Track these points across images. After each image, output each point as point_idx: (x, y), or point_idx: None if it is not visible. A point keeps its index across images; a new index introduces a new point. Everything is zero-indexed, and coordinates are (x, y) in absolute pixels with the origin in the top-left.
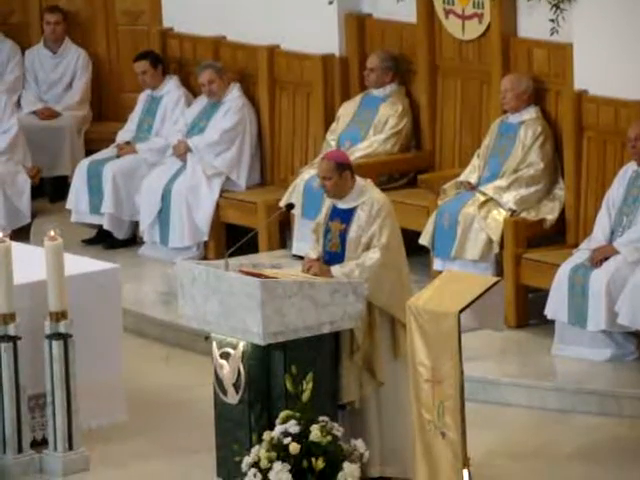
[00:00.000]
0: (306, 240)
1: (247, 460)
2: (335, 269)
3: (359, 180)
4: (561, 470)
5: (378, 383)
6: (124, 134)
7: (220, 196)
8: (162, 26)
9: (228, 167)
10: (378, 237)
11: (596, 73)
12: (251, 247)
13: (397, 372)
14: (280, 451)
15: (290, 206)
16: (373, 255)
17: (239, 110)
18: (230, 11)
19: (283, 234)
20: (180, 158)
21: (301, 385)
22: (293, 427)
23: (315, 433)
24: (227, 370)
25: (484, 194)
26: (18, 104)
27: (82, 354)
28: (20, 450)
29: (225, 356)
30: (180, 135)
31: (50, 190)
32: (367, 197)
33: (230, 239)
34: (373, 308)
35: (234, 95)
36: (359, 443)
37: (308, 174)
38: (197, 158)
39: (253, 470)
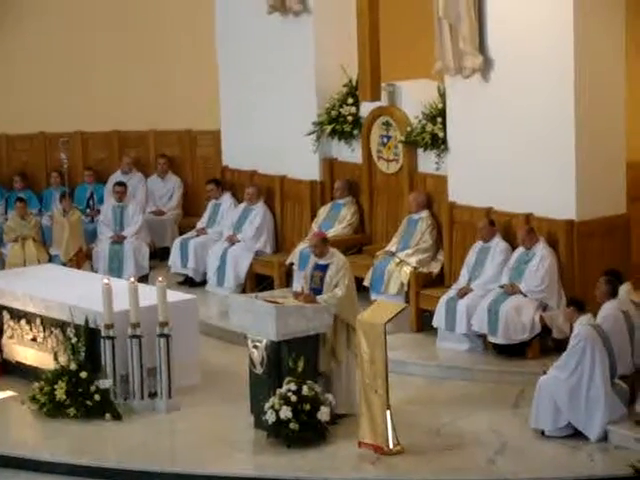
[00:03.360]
0: (299, 282)
1: (267, 405)
2: (319, 297)
3: (331, 248)
4: (439, 409)
5: (338, 362)
6: (200, 224)
7: (253, 259)
8: (222, 164)
9: (261, 243)
10: (342, 281)
11: (460, 193)
12: (270, 287)
13: (350, 356)
14: (285, 399)
15: (291, 264)
16: (339, 291)
17: (264, 214)
18: (259, 156)
19: (289, 279)
20: (230, 241)
21: (297, 363)
22: (292, 387)
23: (305, 390)
24: (256, 355)
25: (399, 258)
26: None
27: (176, 346)
28: (142, 398)
29: (255, 347)
30: (231, 229)
31: (159, 254)
32: (335, 258)
33: (258, 283)
34: (337, 320)
35: (260, 204)
36: (329, 396)
37: (301, 246)
38: (243, 244)
39: (270, 410)
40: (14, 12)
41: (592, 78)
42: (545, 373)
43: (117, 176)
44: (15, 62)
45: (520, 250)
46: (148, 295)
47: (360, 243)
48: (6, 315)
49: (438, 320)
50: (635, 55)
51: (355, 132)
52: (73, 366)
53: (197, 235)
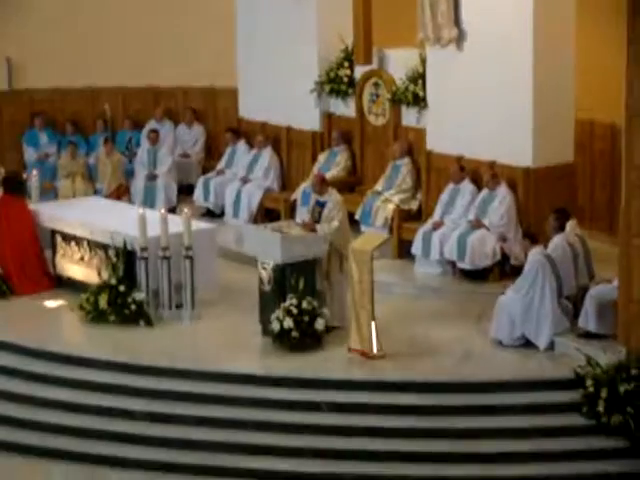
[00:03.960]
0: (302, 215)
1: (273, 316)
2: (319, 226)
3: (329, 188)
4: (415, 322)
5: (332, 282)
6: (220, 166)
7: (263, 195)
8: (238, 116)
9: (270, 182)
10: (337, 215)
11: (436, 143)
12: (277, 219)
13: (341, 277)
14: (288, 312)
15: (295, 200)
16: (334, 223)
17: (271, 158)
18: (269, 109)
19: (292, 212)
20: (244, 181)
21: (298, 282)
22: (294, 301)
23: (304, 304)
24: (264, 275)
25: (385, 197)
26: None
27: (199, 266)
28: (170, 308)
29: (264, 268)
30: (244, 170)
31: (186, 190)
32: (333, 196)
33: (268, 215)
34: (331, 247)
35: (268, 149)
36: (324, 310)
37: (303, 185)
38: (255, 182)
39: (276, 320)
40: None
41: (547, 47)
42: (503, 294)
43: (151, 124)
44: (64, 26)
45: (485, 191)
46: (176, 224)
47: (353, 183)
48: (59, 238)
49: (415, 248)
50: (584, 29)
51: (350, 91)
52: (113, 281)
53: (217, 175)
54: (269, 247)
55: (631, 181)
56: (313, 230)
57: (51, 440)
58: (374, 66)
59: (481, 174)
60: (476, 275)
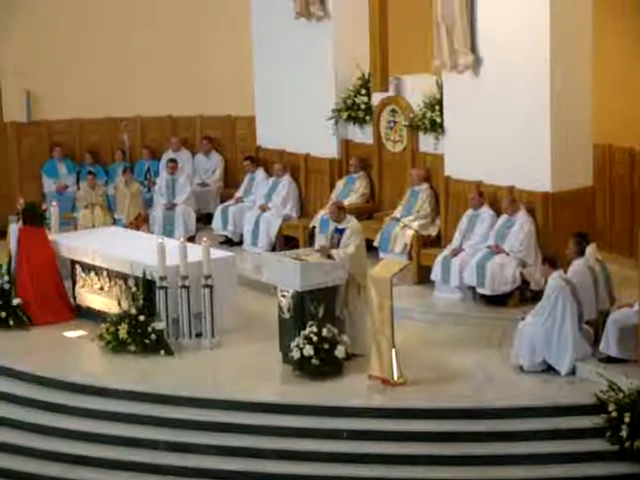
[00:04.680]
0: (320, 243)
1: (293, 344)
2: (334, 251)
3: (348, 215)
4: (435, 348)
5: (350, 309)
6: (238, 194)
7: (281, 223)
8: (256, 144)
9: (288, 210)
10: (354, 242)
11: (454, 169)
12: (295, 246)
13: (360, 304)
14: (308, 339)
15: (313, 227)
16: (350, 248)
17: (289, 185)
18: (287, 137)
19: (311, 240)
20: (262, 209)
21: (318, 309)
22: (314, 329)
23: (324, 332)
24: (284, 302)
25: (403, 223)
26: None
27: (218, 295)
28: (190, 337)
29: (283, 296)
30: (263, 198)
31: (204, 219)
32: (351, 223)
33: (286, 242)
34: (349, 274)
35: (286, 177)
36: (344, 337)
37: (322, 213)
38: (273, 210)
39: (296, 348)
40: (87, 19)
41: (564, 73)
42: (524, 319)
43: (169, 154)
44: (81, 59)
45: (504, 217)
46: (195, 252)
47: (371, 210)
48: (78, 268)
49: (435, 274)
50: (602, 55)
51: (367, 118)
52: (133, 311)
53: (235, 203)
54: (288, 275)
55: None
56: (329, 255)
57: (71, 471)
58: (391, 93)
59: (500, 200)
60: (496, 300)
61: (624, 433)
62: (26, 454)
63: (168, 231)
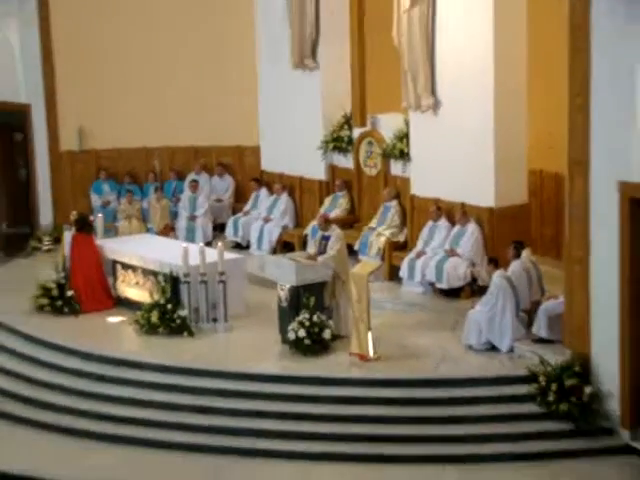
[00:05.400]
0: (311, 247)
1: (289, 328)
2: (319, 258)
3: (332, 225)
4: (403, 331)
5: (336, 300)
6: (246, 208)
7: (281, 231)
8: (261, 168)
9: (286, 221)
10: (335, 246)
11: (418, 189)
12: (292, 250)
13: (343, 296)
14: (301, 324)
15: (306, 235)
16: (331, 252)
17: (287, 201)
18: (285, 163)
19: (304, 245)
20: (265, 220)
21: (309, 300)
22: (306, 316)
23: (314, 318)
24: (282, 294)
25: (378, 232)
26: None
27: (230, 288)
28: (207, 322)
29: (282, 289)
30: (266, 211)
31: (219, 228)
32: (335, 232)
33: (285, 247)
34: (334, 273)
35: (284, 195)
36: (330, 322)
37: (312, 223)
38: (274, 221)
39: (292, 331)
40: (127, 65)
41: (504, 113)
42: (473, 308)
43: (191, 176)
44: (122, 99)
45: (457, 227)
46: (211, 255)
47: (352, 221)
48: (118, 267)
49: (403, 272)
50: (536, 95)
51: (349, 148)
52: (162, 301)
53: (244, 215)
54: (286, 273)
55: (572, 219)
56: (314, 259)
57: (117, 428)
58: (368, 128)
59: (454, 213)
60: (451, 293)
61: (551, 398)
62: (79, 415)
63: (190, 238)
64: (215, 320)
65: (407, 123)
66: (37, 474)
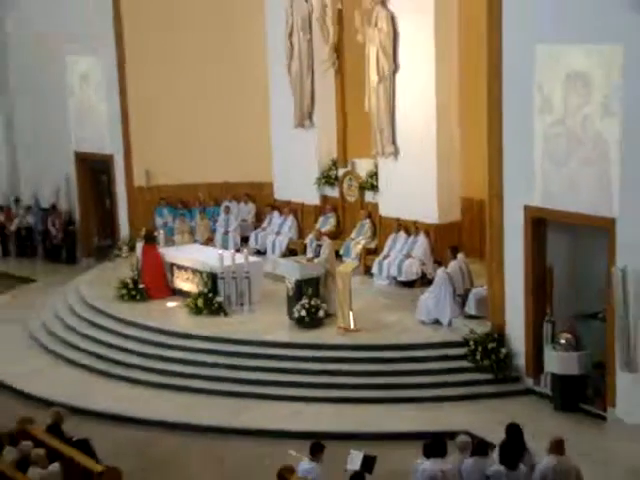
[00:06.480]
0: (309, 253)
1: (294, 309)
2: (315, 260)
3: (324, 236)
4: (375, 311)
5: (328, 289)
6: (263, 225)
7: (288, 242)
8: (274, 197)
9: (292, 234)
10: (325, 252)
11: (385, 210)
12: (295, 254)
13: (333, 287)
14: (303, 307)
15: (305, 244)
16: (322, 256)
17: (292, 220)
18: (292, 193)
19: (305, 251)
20: (277, 234)
21: (308, 290)
22: (306, 301)
23: (312, 302)
24: (289, 286)
25: (356, 241)
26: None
27: (253, 282)
28: (237, 305)
29: (289, 282)
30: (277, 228)
31: (245, 240)
32: (326, 241)
33: (291, 253)
34: (327, 271)
35: (291, 217)
36: (324, 305)
37: (310, 236)
38: (283, 234)
39: (296, 312)
40: (178, 115)
41: (443, 156)
42: (423, 294)
43: (225, 202)
44: (177, 146)
45: (412, 237)
46: (240, 258)
47: (338, 234)
48: (175, 267)
49: (374, 270)
50: (467, 141)
51: (336, 182)
52: (205, 291)
53: (262, 231)
54: (292, 270)
55: (492, 232)
56: (311, 261)
57: (169, 379)
58: (349, 168)
59: (409, 228)
60: (408, 284)
61: (478, 357)
62: (148, 371)
63: (224, 247)
64: (242, 304)
65: (376, 165)
66: (124, 413)
